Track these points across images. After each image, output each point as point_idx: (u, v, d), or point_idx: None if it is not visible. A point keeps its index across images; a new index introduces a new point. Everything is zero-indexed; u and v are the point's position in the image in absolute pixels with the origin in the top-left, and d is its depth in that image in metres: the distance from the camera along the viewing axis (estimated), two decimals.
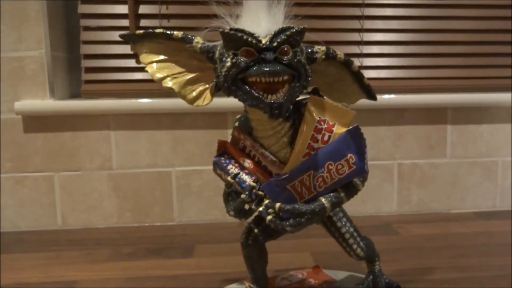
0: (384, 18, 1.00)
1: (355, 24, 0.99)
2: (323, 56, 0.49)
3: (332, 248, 0.56)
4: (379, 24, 1.00)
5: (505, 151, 1.01)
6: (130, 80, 0.95)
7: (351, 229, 0.55)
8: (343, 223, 0.54)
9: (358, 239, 0.55)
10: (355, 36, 1.00)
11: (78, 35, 0.96)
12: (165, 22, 0.95)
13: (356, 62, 1.01)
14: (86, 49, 0.95)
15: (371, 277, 0.60)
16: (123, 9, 0.94)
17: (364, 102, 1.02)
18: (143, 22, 0.95)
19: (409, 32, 1.01)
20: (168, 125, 0.94)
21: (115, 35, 0.94)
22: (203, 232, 0.90)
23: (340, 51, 0.50)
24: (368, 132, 0.98)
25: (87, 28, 0.95)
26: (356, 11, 0.99)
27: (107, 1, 0.94)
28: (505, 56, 1.02)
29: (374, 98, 0.55)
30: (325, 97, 0.52)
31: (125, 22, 0.94)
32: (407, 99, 0.96)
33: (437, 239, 0.85)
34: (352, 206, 0.99)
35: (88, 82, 0.97)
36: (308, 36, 0.47)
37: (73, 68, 1.01)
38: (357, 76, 0.52)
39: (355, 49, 1.00)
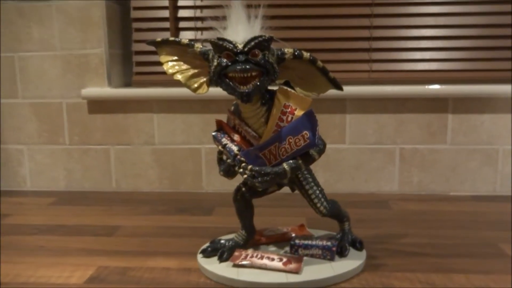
0: (393, 15, 1.11)
1: (365, 21, 1.11)
2: (291, 56, 0.64)
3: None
4: (388, 21, 1.11)
5: (506, 139, 1.08)
6: None
7: (317, 191, 0.69)
8: (310, 186, 0.69)
9: (322, 199, 0.70)
10: (365, 33, 1.12)
11: (130, 35, 1.18)
12: (199, 23, 1.14)
13: (365, 56, 1.13)
14: (136, 46, 1.17)
15: (340, 234, 0.75)
16: (165, 13, 1.14)
17: (367, 92, 1.15)
18: (181, 24, 1.15)
19: (416, 28, 1.11)
20: (198, 109, 1.13)
21: (160, 35, 1.15)
22: (224, 199, 1.09)
23: (307, 52, 0.65)
24: (371, 118, 1.10)
25: (138, 30, 1.17)
26: (366, 10, 1.11)
27: (153, 8, 1.15)
28: (506, 49, 1.09)
29: (340, 89, 0.68)
30: (297, 88, 0.67)
31: (167, 24, 1.14)
32: (409, 90, 1.06)
33: (424, 214, 0.96)
34: (356, 184, 1.13)
35: (138, 73, 1.19)
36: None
37: (126, 62, 1.23)
38: (323, 71, 0.66)
39: (364, 44, 1.12)
